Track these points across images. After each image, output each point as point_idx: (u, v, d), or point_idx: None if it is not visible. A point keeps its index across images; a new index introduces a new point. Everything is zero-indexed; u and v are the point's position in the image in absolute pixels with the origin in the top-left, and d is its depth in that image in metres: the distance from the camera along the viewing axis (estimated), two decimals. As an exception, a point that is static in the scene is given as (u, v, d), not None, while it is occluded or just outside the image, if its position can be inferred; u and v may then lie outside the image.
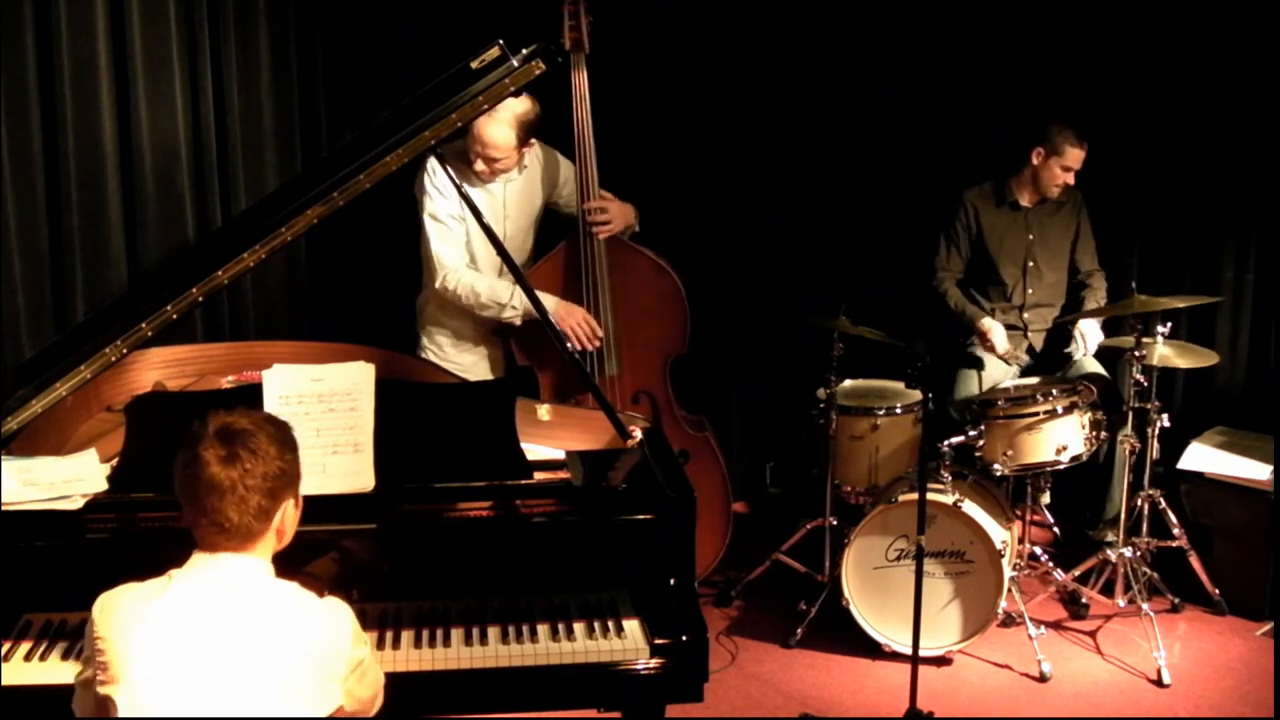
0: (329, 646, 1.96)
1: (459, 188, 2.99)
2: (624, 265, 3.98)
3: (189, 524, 2.00)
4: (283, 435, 2.05)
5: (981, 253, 4.54)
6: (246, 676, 1.89)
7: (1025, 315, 4.53)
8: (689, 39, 4.69)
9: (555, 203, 4.10)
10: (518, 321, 3.87)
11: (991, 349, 4.43)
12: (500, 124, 3.65)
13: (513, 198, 3.92)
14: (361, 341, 3.37)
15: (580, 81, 3.87)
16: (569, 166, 4.06)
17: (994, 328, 4.45)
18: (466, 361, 4.01)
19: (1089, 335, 4.44)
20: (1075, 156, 4.36)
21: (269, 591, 1.99)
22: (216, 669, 1.89)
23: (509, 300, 3.83)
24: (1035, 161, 4.41)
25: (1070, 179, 4.41)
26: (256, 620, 1.93)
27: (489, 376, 4.03)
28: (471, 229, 3.86)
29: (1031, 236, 4.50)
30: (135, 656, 1.89)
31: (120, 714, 1.89)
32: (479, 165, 3.75)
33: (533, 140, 3.82)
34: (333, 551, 2.46)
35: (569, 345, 3.80)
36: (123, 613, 1.93)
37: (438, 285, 3.85)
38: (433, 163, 3.72)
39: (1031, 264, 4.51)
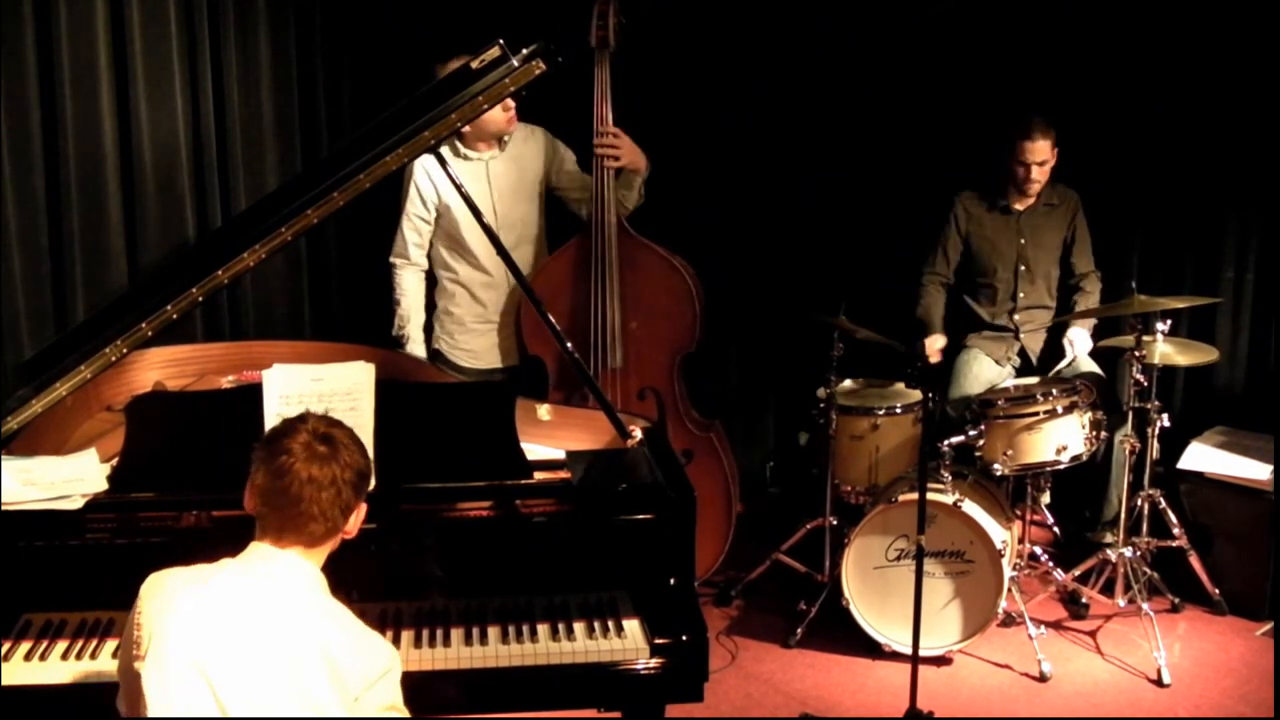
0: (361, 676, 1.94)
1: (459, 188, 3.00)
2: (635, 262, 4.01)
3: (265, 515, 2.02)
4: (358, 439, 2.12)
5: (973, 255, 4.53)
6: (271, 678, 1.89)
7: (1016, 318, 4.52)
8: (693, 40, 4.69)
9: (555, 188, 4.13)
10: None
11: (922, 352, 4.38)
12: None
13: (498, 175, 3.96)
14: (361, 341, 3.38)
15: (603, 79, 3.91)
16: (565, 151, 4.11)
17: (934, 341, 4.42)
18: (478, 347, 4.05)
19: (1077, 343, 4.41)
20: (1030, 149, 4.28)
21: (320, 606, 1.99)
22: (244, 664, 1.89)
23: (405, 330, 4.02)
24: (1007, 160, 4.40)
25: (1035, 173, 4.33)
26: (297, 629, 1.92)
27: (499, 362, 4.10)
28: (459, 218, 3.93)
29: (1023, 240, 4.48)
30: (169, 635, 1.90)
31: (144, 688, 1.89)
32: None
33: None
34: (333, 551, 2.46)
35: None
36: (165, 592, 1.95)
37: (390, 258, 4.04)
38: (416, 164, 3.79)
39: (1023, 267, 4.49)
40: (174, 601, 1.93)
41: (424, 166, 3.90)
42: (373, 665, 1.96)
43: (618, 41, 3.90)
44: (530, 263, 4.05)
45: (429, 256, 4.08)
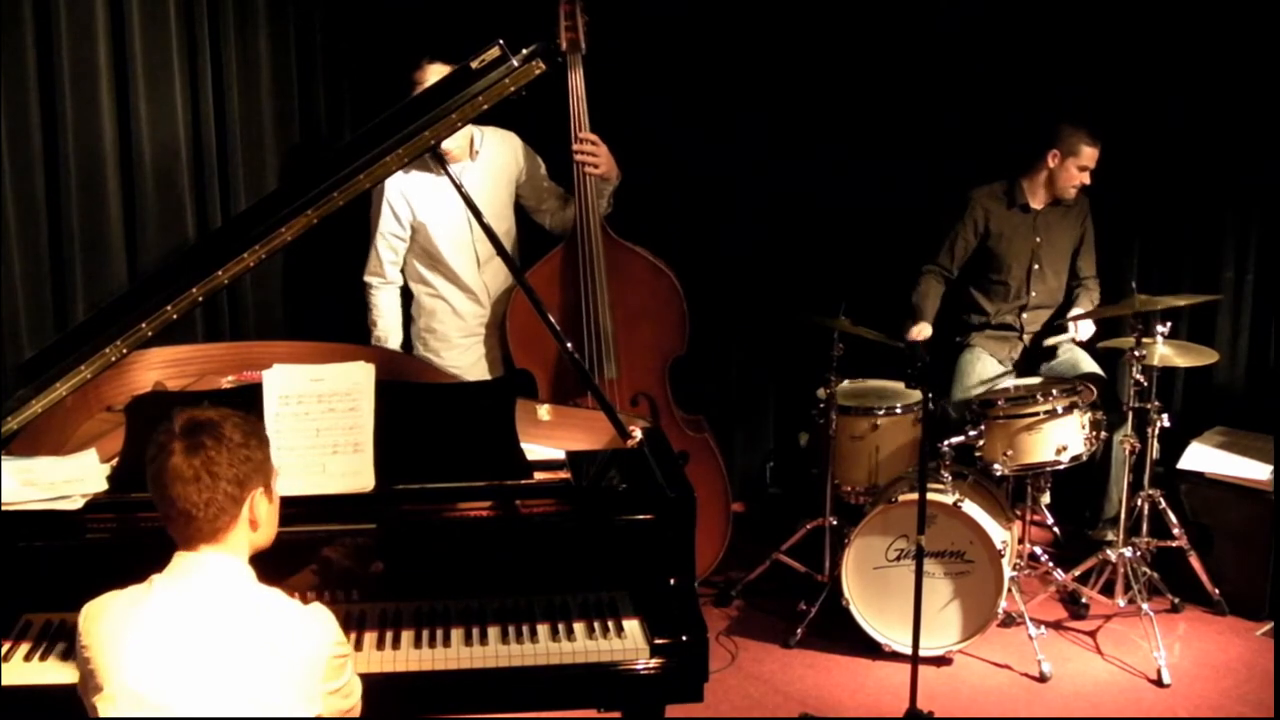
0: (310, 655, 1.95)
1: (459, 188, 2.99)
2: (622, 267, 3.97)
3: (164, 522, 2.01)
4: (249, 426, 2.06)
5: (988, 254, 4.53)
6: (227, 686, 1.89)
7: (1024, 317, 4.53)
8: (691, 32, 4.69)
9: (520, 196, 4.10)
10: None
11: (905, 334, 4.41)
12: None
13: (472, 187, 3.89)
14: (361, 342, 3.38)
15: (577, 82, 3.87)
16: (538, 160, 4.07)
17: (921, 329, 4.43)
18: (464, 363, 4.02)
19: (1082, 327, 4.44)
20: (1091, 155, 4.33)
21: (252, 599, 1.98)
22: (197, 678, 1.88)
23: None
24: (1052, 165, 4.40)
25: (1086, 178, 4.38)
26: (239, 629, 1.92)
27: (485, 378, 4.05)
28: (435, 233, 3.90)
29: (1039, 239, 4.50)
30: (118, 665, 1.89)
31: (103, 716, 1.89)
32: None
33: (483, 130, 3.86)
34: (333, 551, 2.46)
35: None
36: (106, 621, 1.94)
37: (364, 277, 4.02)
38: (389, 182, 3.75)
39: (1036, 267, 4.51)
40: (117, 631, 1.92)
41: (396, 184, 3.85)
42: (321, 649, 1.96)
43: (589, 43, 3.83)
44: (506, 276, 4.01)
45: (402, 273, 4.05)
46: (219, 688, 1.88)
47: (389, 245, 3.97)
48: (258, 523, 2.06)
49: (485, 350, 4.07)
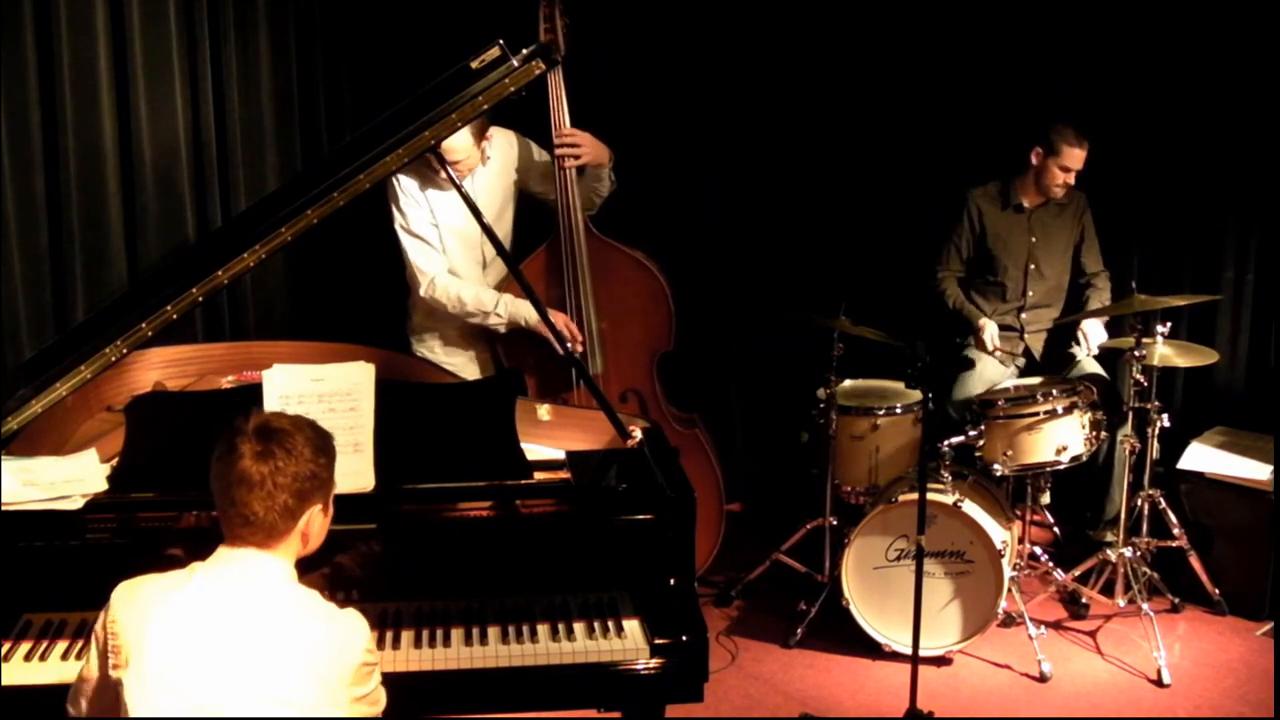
0: (340, 659, 1.96)
1: (459, 188, 2.99)
2: (606, 264, 3.97)
3: (219, 515, 2.02)
4: (320, 441, 2.07)
5: (984, 254, 4.53)
6: (253, 680, 1.89)
7: (1023, 316, 4.53)
8: (688, 30, 4.69)
9: (529, 191, 4.08)
10: (503, 329, 3.88)
11: (983, 346, 4.42)
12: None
13: (481, 191, 3.88)
14: (360, 341, 3.38)
15: (557, 84, 3.86)
16: (536, 152, 4.05)
17: (989, 325, 4.43)
18: (456, 363, 4.01)
19: (1091, 335, 4.44)
20: (1073, 156, 4.31)
21: (289, 597, 1.99)
22: (226, 668, 1.89)
23: (494, 308, 3.84)
24: (1035, 162, 4.40)
25: (1070, 179, 4.36)
26: (272, 625, 1.93)
27: (480, 376, 4.04)
28: (445, 232, 3.87)
29: (1034, 239, 4.49)
30: (148, 645, 1.90)
31: (126, 698, 1.90)
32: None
33: (490, 131, 3.83)
34: (333, 551, 2.46)
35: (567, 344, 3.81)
36: (142, 601, 1.95)
37: (422, 293, 3.87)
38: (400, 178, 3.74)
39: (1033, 266, 4.50)
40: (151, 613, 1.93)
41: (401, 188, 3.79)
42: (350, 655, 1.96)
43: (568, 44, 3.79)
44: (502, 274, 3.99)
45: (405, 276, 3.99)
46: (245, 680, 1.89)
47: (425, 239, 3.85)
48: (309, 537, 2.07)
49: (476, 352, 4.07)
